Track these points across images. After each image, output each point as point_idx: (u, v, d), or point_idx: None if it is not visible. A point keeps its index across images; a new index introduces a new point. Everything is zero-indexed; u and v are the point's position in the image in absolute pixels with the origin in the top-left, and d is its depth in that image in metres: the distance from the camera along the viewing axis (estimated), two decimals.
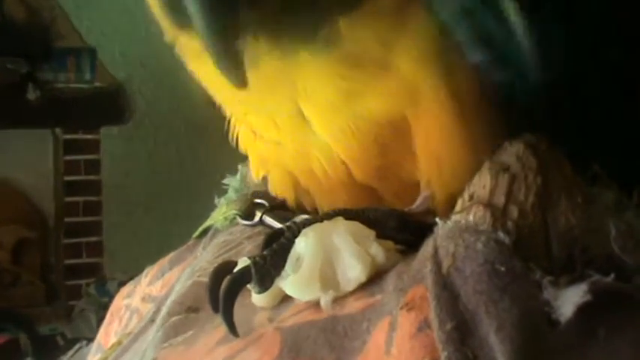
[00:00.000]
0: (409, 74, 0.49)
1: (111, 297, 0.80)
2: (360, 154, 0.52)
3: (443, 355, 0.41)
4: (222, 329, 0.50)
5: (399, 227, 0.51)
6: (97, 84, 3.22)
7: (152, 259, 0.71)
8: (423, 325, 0.42)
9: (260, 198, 0.62)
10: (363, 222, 0.50)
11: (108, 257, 3.43)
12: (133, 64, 3.54)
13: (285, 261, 0.49)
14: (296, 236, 0.50)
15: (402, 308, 0.44)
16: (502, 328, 0.40)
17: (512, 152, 0.48)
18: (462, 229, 0.45)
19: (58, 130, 3.31)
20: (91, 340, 0.77)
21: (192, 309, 0.56)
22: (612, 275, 0.42)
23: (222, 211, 0.65)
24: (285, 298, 0.50)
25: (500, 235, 0.44)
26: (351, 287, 0.48)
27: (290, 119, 0.53)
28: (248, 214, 0.62)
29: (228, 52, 0.47)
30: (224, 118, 0.59)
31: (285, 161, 0.56)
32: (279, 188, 0.58)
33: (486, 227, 0.45)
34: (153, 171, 3.61)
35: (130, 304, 0.69)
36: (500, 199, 0.46)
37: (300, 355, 0.45)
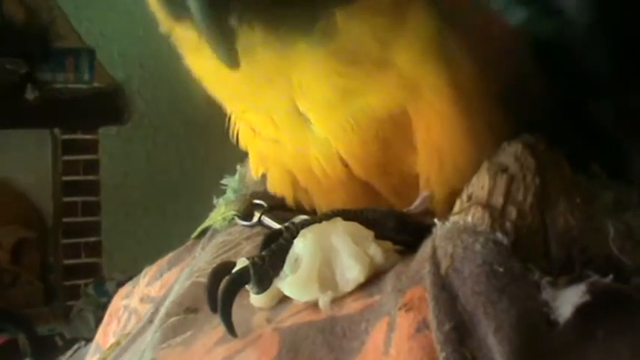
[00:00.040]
0: (409, 70, 0.49)
1: (109, 297, 0.80)
2: (361, 150, 0.52)
3: (441, 355, 0.41)
4: (221, 330, 0.50)
5: (398, 228, 0.51)
6: (96, 84, 3.22)
7: (151, 260, 0.71)
8: (422, 326, 0.42)
9: (259, 198, 0.62)
10: (361, 223, 0.50)
11: (106, 257, 3.42)
12: (131, 65, 3.53)
13: (283, 262, 0.49)
14: (294, 237, 0.50)
15: (400, 309, 0.44)
16: (500, 328, 0.40)
17: (510, 153, 0.48)
18: (460, 230, 0.45)
19: (56, 131, 3.30)
20: (89, 340, 0.77)
21: (191, 309, 0.56)
22: (611, 276, 0.42)
23: (221, 212, 0.65)
24: (284, 299, 0.50)
25: (499, 235, 0.44)
26: (349, 288, 0.48)
27: (287, 117, 0.53)
28: (247, 215, 0.62)
29: (219, 28, 0.47)
30: (223, 118, 0.59)
31: (284, 159, 0.56)
32: (278, 186, 0.58)
33: (485, 228, 0.44)
34: (151, 171, 3.61)
35: (129, 304, 0.69)
36: (498, 200, 0.46)
37: (298, 356, 0.45)
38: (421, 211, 0.52)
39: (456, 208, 0.47)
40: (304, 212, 0.57)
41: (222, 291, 0.49)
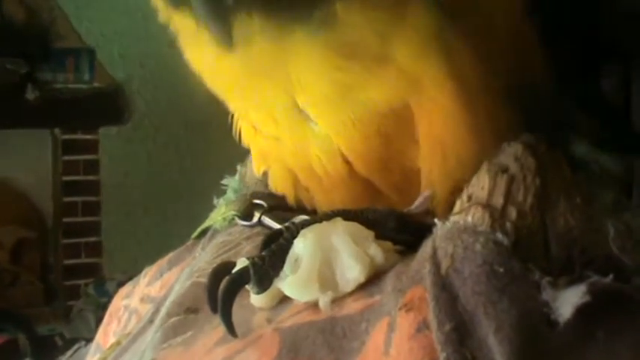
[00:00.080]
0: (409, 64, 0.49)
1: (110, 297, 0.80)
2: (363, 146, 0.52)
3: (442, 356, 0.41)
4: (221, 330, 0.50)
5: (398, 228, 0.51)
6: (96, 84, 3.22)
7: (151, 260, 0.71)
8: (422, 326, 0.42)
9: (259, 198, 0.61)
10: (362, 223, 0.50)
11: (107, 257, 3.42)
12: (132, 65, 3.53)
13: (283, 262, 0.49)
14: (295, 237, 0.50)
15: (400, 309, 0.44)
16: (501, 329, 0.40)
17: (510, 153, 0.48)
18: (460, 230, 0.45)
19: (57, 131, 3.30)
20: (89, 340, 0.77)
21: (191, 310, 0.56)
22: (611, 276, 0.42)
23: (221, 212, 0.65)
24: (284, 299, 0.50)
25: (499, 236, 0.44)
26: (349, 288, 0.48)
27: (287, 113, 0.53)
28: (247, 215, 0.62)
29: (214, 3, 0.47)
30: (223, 118, 0.59)
31: (285, 157, 0.56)
32: (279, 184, 0.58)
33: (485, 228, 0.44)
34: (152, 171, 3.61)
35: (129, 304, 0.69)
36: (498, 200, 0.46)
37: (298, 356, 0.45)
38: (422, 211, 0.52)
39: (456, 208, 0.47)
40: (305, 211, 0.57)
41: (222, 291, 0.49)
